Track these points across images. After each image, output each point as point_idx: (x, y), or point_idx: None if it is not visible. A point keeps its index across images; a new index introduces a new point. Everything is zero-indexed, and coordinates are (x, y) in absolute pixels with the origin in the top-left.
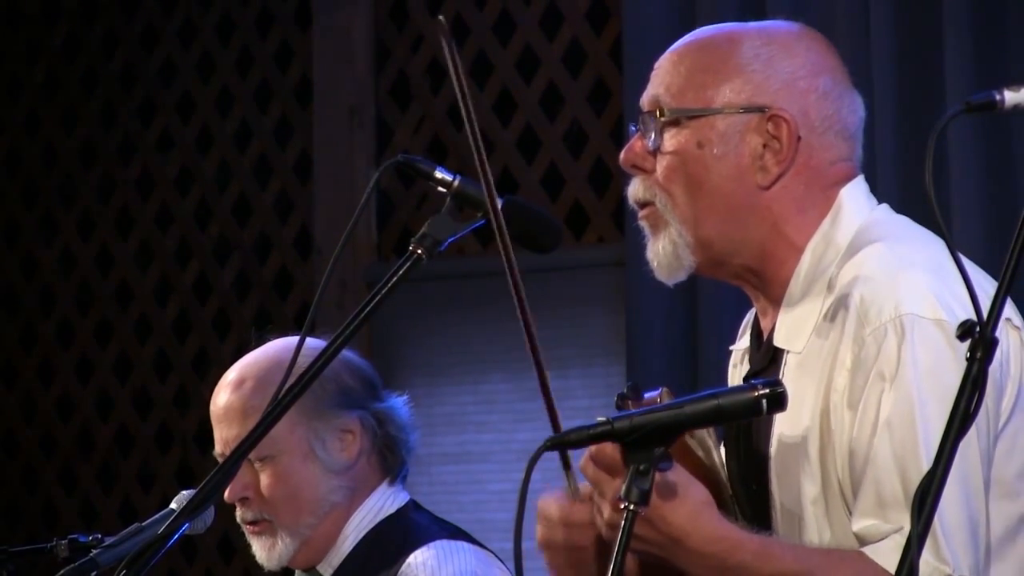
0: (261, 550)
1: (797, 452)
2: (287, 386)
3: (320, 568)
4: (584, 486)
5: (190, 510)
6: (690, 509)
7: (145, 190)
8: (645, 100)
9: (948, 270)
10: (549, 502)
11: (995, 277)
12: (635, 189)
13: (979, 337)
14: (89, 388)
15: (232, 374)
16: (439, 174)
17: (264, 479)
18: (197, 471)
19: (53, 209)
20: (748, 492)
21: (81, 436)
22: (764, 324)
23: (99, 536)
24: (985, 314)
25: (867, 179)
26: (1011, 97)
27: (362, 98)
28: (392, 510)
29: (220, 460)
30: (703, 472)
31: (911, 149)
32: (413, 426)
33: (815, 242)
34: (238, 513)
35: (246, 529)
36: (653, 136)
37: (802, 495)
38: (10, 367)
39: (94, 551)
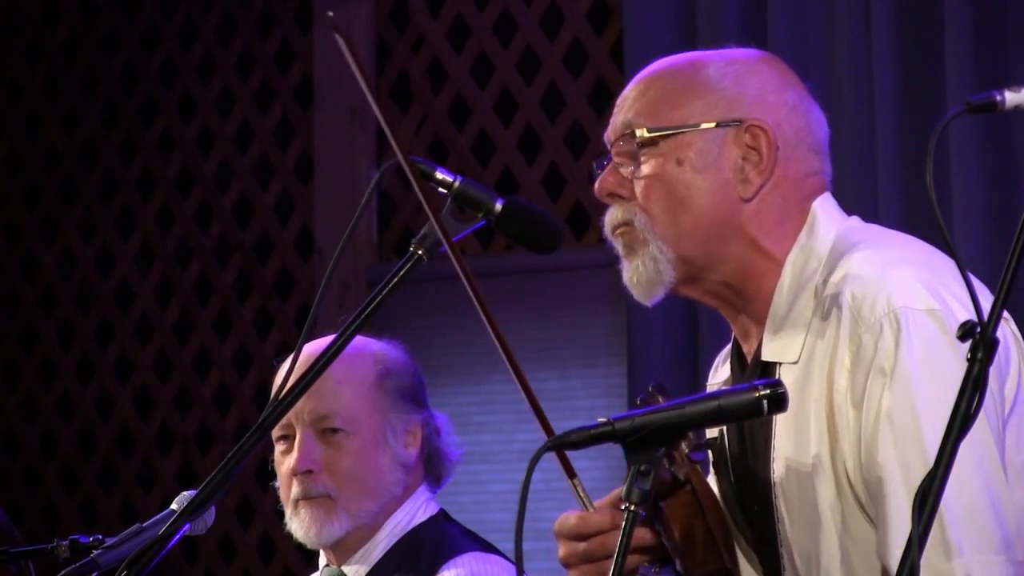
0: (313, 524)
1: (808, 460)
2: (286, 389)
3: (346, 569)
4: (607, 499)
5: (191, 511)
6: None
7: (146, 191)
8: (613, 130)
9: (935, 265)
10: (567, 516)
11: (995, 278)
12: (612, 215)
13: (980, 338)
14: (90, 389)
15: (313, 346)
16: (440, 175)
17: (336, 454)
18: (198, 472)
19: (54, 210)
20: (747, 515)
21: (82, 437)
22: (746, 347)
23: (100, 537)
24: (983, 315)
25: (867, 180)
26: (1012, 98)
27: (363, 99)
28: (424, 518)
29: (277, 434)
30: (706, 499)
31: (911, 149)
32: (457, 444)
33: (794, 255)
34: (295, 488)
35: (301, 504)
36: (629, 162)
37: (819, 501)
38: (11, 367)
39: (95, 552)
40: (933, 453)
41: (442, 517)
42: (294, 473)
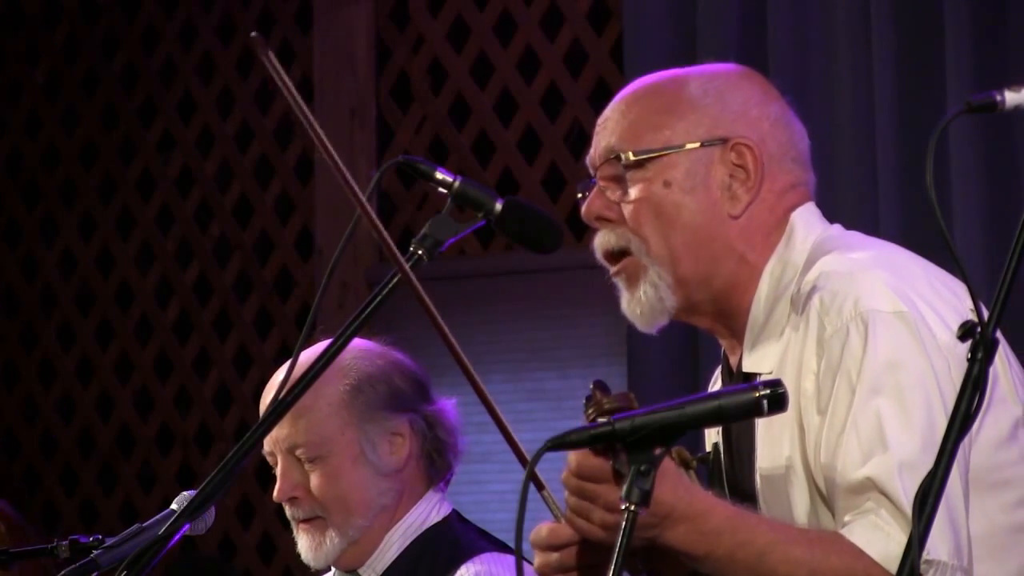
0: (308, 548)
1: (782, 464)
2: (285, 389)
3: (362, 571)
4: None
5: (191, 511)
6: (670, 482)
7: (146, 191)
8: (597, 154)
9: (907, 269)
10: (540, 527)
11: (995, 278)
12: (604, 239)
13: (980, 338)
14: (90, 389)
15: (282, 374)
16: (440, 175)
17: (314, 479)
18: (198, 472)
19: (54, 210)
20: None
21: (82, 437)
22: (734, 361)
23: (100, 537)
24: (983, 315)
25: (867, 180)
26: (1012, 98)
27: (363, 99)
28: (438, 519)
29: (267, 458)
30: None
31: (911, 149)
32: (462, 429)
33: (771, 265)
34: (288, 511)
35: (296, 526)
36: (616, 186)
37: (794, 506)
38: (11, 368)
39: (95, 552)
40: (898, 457)
41: (455, 518)
42: (279, 501)
